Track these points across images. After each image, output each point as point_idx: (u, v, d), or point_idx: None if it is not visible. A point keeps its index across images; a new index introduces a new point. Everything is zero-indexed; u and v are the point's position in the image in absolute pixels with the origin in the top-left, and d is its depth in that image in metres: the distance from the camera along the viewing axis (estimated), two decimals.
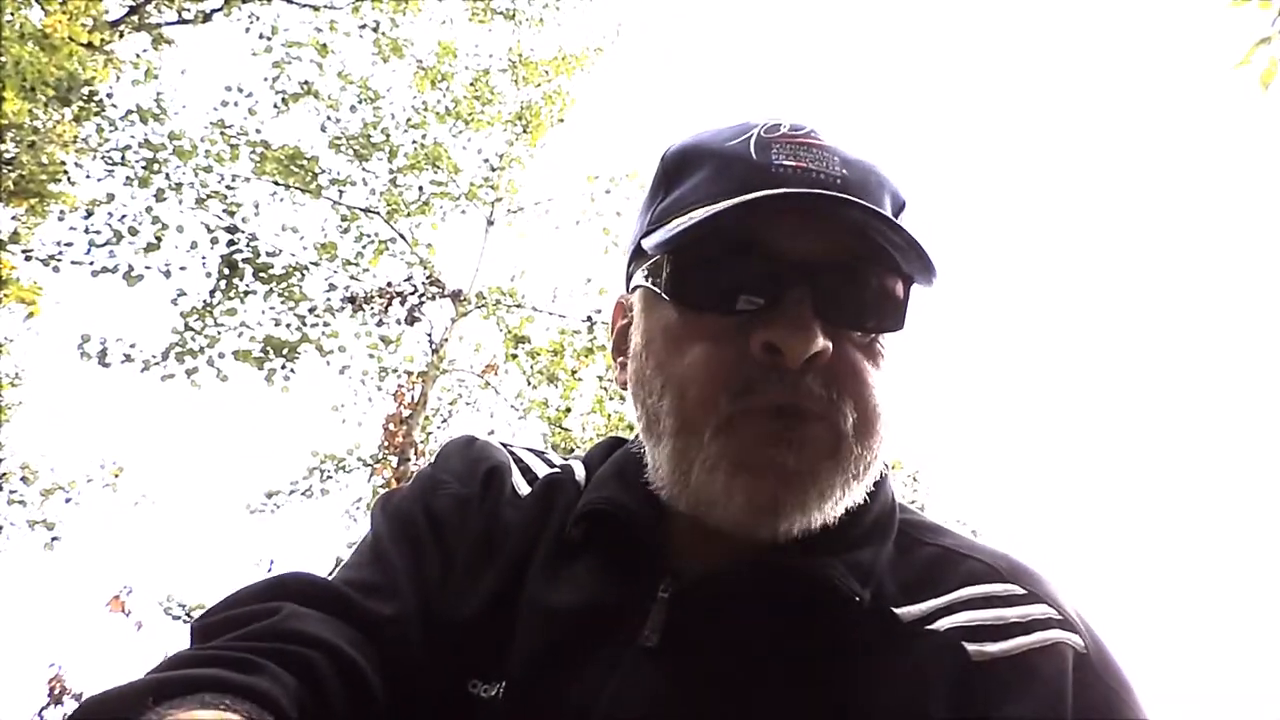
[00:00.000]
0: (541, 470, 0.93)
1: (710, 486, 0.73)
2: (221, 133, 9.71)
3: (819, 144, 0.79)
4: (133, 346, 9.33)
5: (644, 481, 0.80)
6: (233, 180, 9.69)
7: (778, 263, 0.74)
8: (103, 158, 9.30)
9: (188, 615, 8.38)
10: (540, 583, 0.82)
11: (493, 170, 10.72)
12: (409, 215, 10.26)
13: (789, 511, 0.72)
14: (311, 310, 9.70)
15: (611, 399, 9.53)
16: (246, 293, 9.58)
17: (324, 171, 10.14)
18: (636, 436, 0.85)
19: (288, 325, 9.63)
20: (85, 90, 8.90)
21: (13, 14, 7.73)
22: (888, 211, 0.77)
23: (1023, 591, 0.76)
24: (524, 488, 0.90)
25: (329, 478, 9.83)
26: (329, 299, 9.82)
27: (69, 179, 9.13)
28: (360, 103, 10.34)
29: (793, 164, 0.77)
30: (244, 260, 9.54)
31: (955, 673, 0.71)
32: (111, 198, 9.27)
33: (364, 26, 10.47)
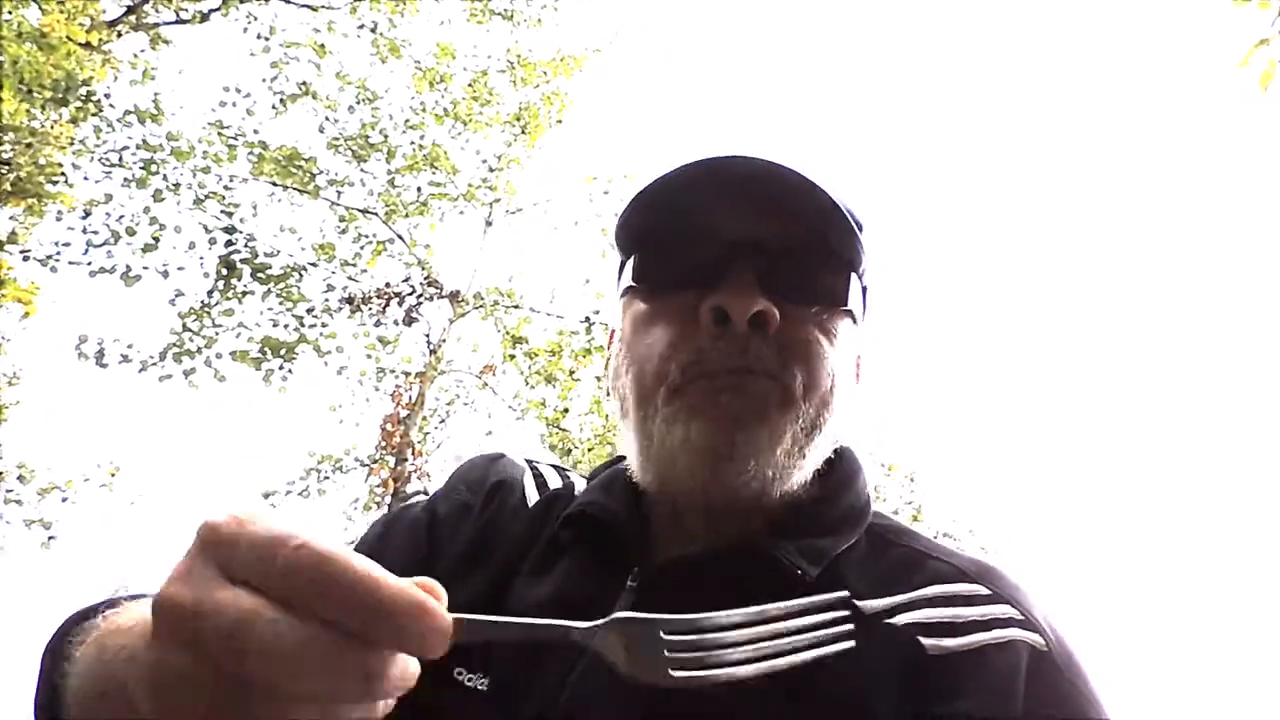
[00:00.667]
0: (555, 484, 0.98)
1: (669, 441, 0.78)
2: (219, 133, 9.71)
3: (771, 158, 0.84)
4: (130, 347, 9.33)
5: (630, 488, 0.86)
6: (230, 181, 9.69)
7: (726, 243, 0.81)
8: (100, 158, 9.30)
9: None
10: (527, 582, 0.85)
11: (491, 171, 10.72)
12: (407, 216, 10.26)
13: (743, 452, 0.76)
14: (309, 311, 9.70)
15: (610, 398, 9.53)
16: (244, 293, 9.57)
17: (322, 172, 10.14)
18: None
19: (285, 326, 9.63)
20: (83, 90, 8.88)
21: (10, 14, 7.72)
22: (837, 209, 0.82)
23: (987, 592, 0.78)
24: (534, 497, 0.95)
25: (326, 478, 9.83)
26: (327, 299, 9.82)
27: (66, 180, 9.12)
28: (358, 103, 10.34)
29: (743, 153, 0.82)
30: (242, 261, 9.53)
31: (909, 665, 0.73)
32: (109, 198, 9.26)
33: (362, 27, 10.47)
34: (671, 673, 0.52)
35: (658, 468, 0.80)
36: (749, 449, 0.77)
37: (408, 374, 9.89)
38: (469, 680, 0.78)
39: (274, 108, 10.12)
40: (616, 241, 0.91)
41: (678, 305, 0.81)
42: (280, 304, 9.65)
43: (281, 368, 9.54)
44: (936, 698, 0.70)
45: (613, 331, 0.96)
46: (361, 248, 10.07)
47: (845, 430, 0.87)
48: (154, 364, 9.33)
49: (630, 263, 0.87)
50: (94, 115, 9.29)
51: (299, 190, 9.98)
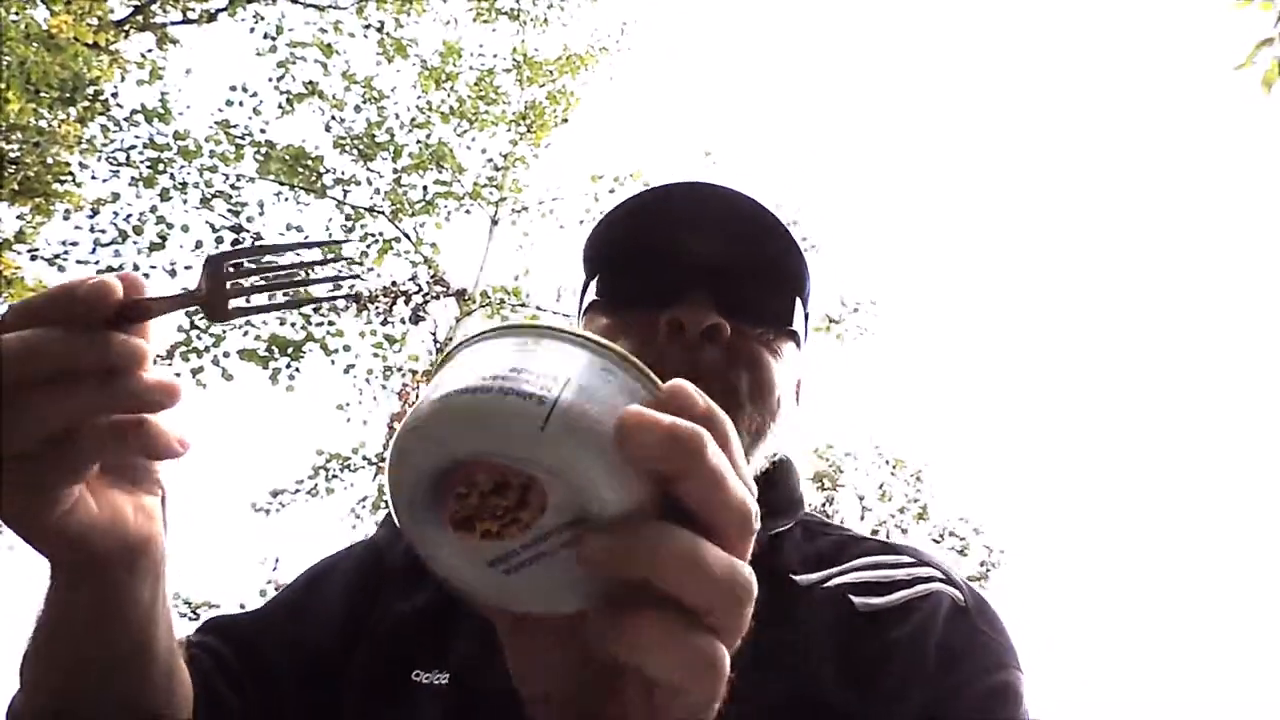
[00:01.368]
0: None
1: None
2: (226, 133, 9.72)
3: (729, 186, 0.90)
4: None
5: None
6: (237, 180, 9.71)
7: (684, 265, 0.88)
8: (108, 157, 9.32)
9: (193, 613, 8.40)
10: None
11: (497, 170, 10.73)
12: (413, 215, 10.27)
13: None
14: (316, 309, 9.71)
15: None
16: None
17: (328, 171, 10.16)
18: None
19: (292, 324, 9.65)
20: (90, 90, 8.91)
21: (18, 14, 7.75)
22: (787, 240, 0.90)
23: (911, 559, 0.87)
24: None
25: (334, 477, 9.84)
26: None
27: (74, 179, 9.15)
28: (365, 103, 10.35)
29: (705, 180, 0.89)
30: None
31: (843, 620, 0.79)
32: (116, 197, 9.29)
33: (368, 27, 10.48)
34: (230, 306, 0.57)
35: None
36: None
37: (415, 372, 9.90)
38: (427, 679, 0.79)
39: (281, 107, 10.14)
40: (583, 262, 0.97)
41: (638, 320, 0.88)
42: None
43: (289, 366, 9.56)
44: (868, 652, 0.77)
45: None
46: (368, 247, 10.08)
47: (784, 444, 0.94)
48: (161, 362, 9.33)
49: (594, 281, 0.94)
50: (101, 114, 9.32)
51: (305, 190, 10.00)
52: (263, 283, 0.58)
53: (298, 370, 9.59)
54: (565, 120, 11.18)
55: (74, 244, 9.17)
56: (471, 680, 0.78)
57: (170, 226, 9.38)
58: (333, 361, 9.79)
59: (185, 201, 9.48)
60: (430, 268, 10.12)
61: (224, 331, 9.42)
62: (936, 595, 0.81)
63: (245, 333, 9.47)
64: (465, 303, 10.00)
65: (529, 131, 10.91)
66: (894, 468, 12.21)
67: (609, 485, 0.37)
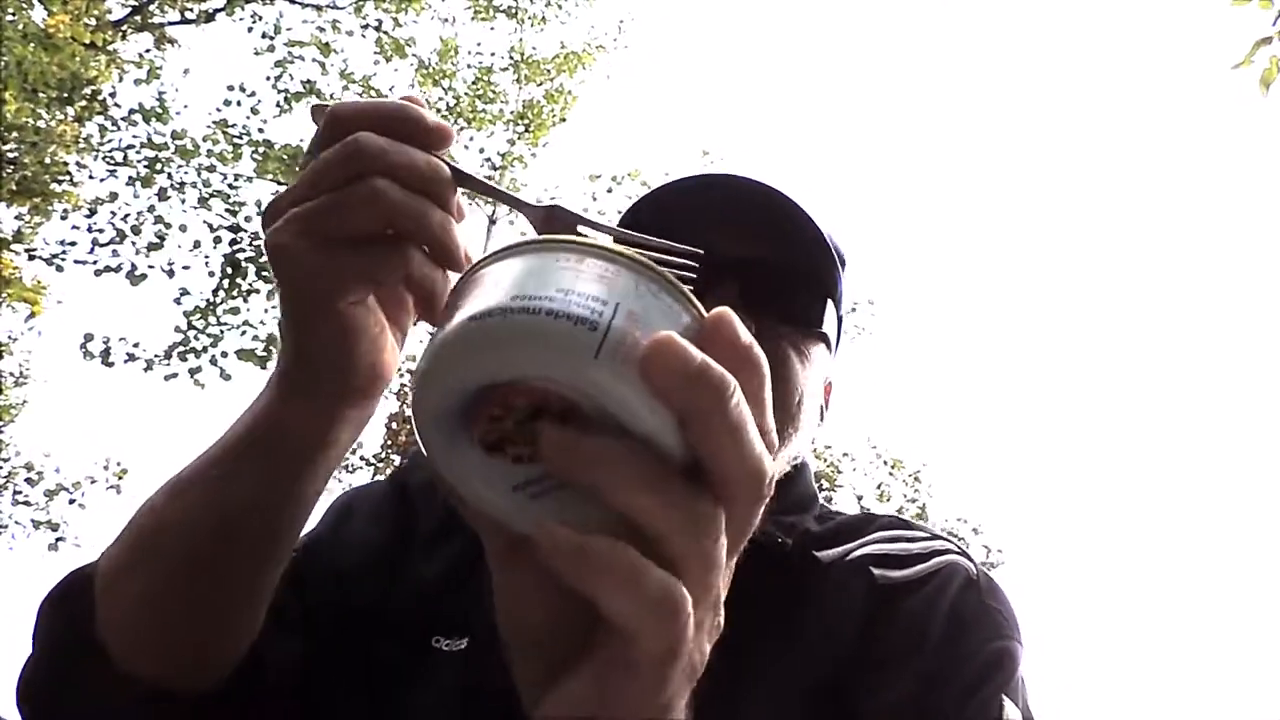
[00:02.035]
0: None
1: None
2: (224, 132, 9.72)
3: (765, 180, 0.89)
4: (136, 346, 9.36)
5: None
6: (235, 180, 9.71)
7: (713, 260, 0.83)
8: (106, 157, 9.32)
9: None
10: None
11: (495, 169, 10.73)
12: None
13: None
14: None
15: None
16: (249, 291, 9.59)
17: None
18: None
19: None
20: (88, 90, 8.91)
21: (15, 14, 7.75)
22: (820, 239, 0.87)
23: (926, 534, 0.88)
24: None
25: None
26: None
27: (72, 179, 9.15)
28: None
29: (739, 173, 0.87)
30: (247, 259, 9.55)
31: (864, 595, 0.81)
32: (115, 197, 9.29)
33: (366, 26, 10.49)
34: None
35: None
36: None
37: (414, 372, 9.90)
38: (448, 646, 0.79)
39: (279, 106, 10.14)
40: None
41: None
42: None
43: None
44: (883, 621, 0.79)
45: None
46: None
47: (805, 445, 0.92)
48: (160, 362, 9.35)
49: None
50: (99, 114, 9.33)
51: None
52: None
53: None
54: (563, 120, 11.19)
55: (72, 243, 9.18)
56: (490, 644, 0.76)
57: (168, 226, 9.38)
58: None
59: (183, 201, 9.48)
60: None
61: (221, 332, 9.42)
62: (950, 568, 0.83)
63: (244, 333, 9.47)
64: None
65: (527, 131, 10.91)
66: (892, 468, 12.23)
67: (652, 417, 0.35)
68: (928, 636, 0.78)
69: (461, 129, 10.73)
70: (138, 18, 9.94)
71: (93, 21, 9.04)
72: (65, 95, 8.52)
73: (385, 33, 10.53)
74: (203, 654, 0.67)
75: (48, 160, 8.71)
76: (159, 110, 9.37)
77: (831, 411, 1.00)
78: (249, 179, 9.79)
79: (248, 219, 9.66)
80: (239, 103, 9.92)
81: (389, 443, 10.09)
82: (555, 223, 0.60)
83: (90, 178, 9.35)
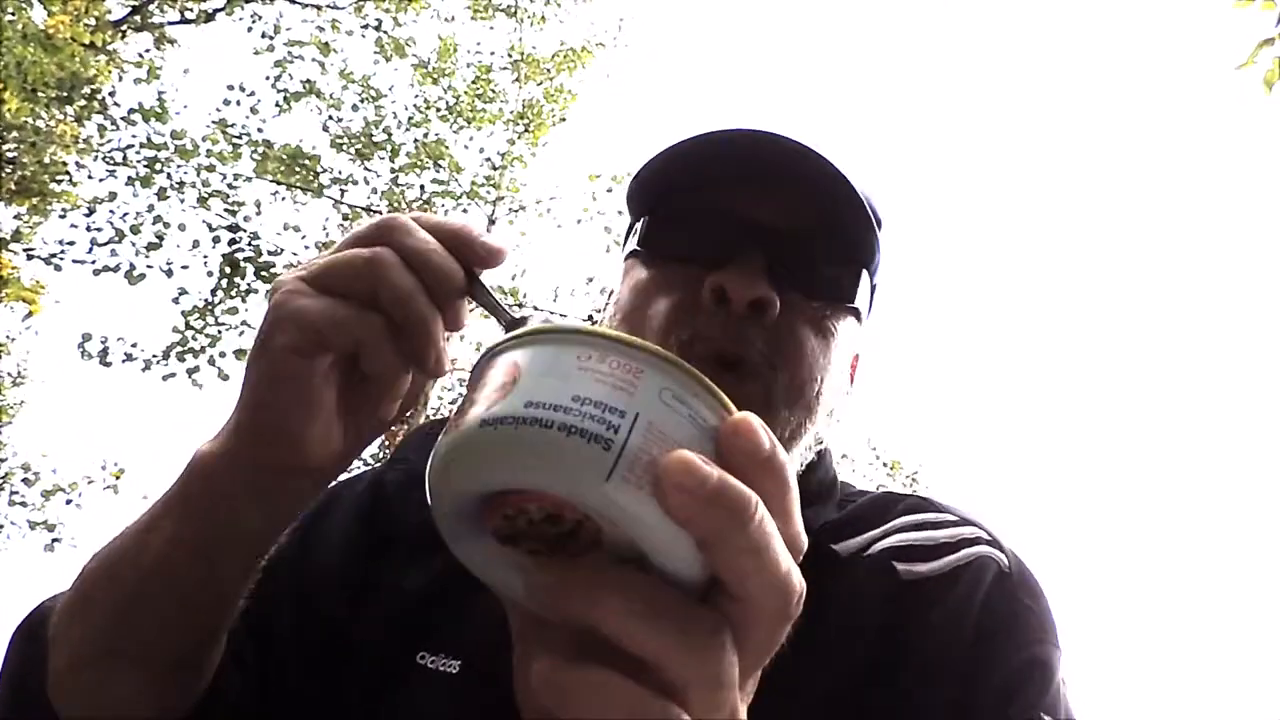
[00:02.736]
0: None
1: None
2: (223, 132, 9.71)
3: (799, 139, 0.81)
4: (134, 345, 9.34)
5: None
6: (234, 179, 9.69)
7: (739, 223, 0.79)
8: (105, 157, 9.31)
9: None
10: None
11: (494, 169, 10.72)
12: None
13: None
14: None
15: None
16: (248, 292, 9.58)
17: (326, 170, 10.15)
18: None
19: None
20: (87, 90, 8.90)
21: (15, 14, 7.73)
22: (858, 205, 0.80)
23: (954, 517, 0.81)
24: None
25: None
26: None
27: (71, 179, 9.14)
28: (362, 101, 10.35)
29: (770, 130, 0.79)
30: (246, 259, 9.54)
31: (887, 591, 0.75)
32: (113, 196, 9.27)
33: (366, 26, 10.48)
34: None
35: None
36: None
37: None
38: (433, 664, 0.75)
39: (278, 106, 10.13)
40: (629, 200, 0.88)
41: (680, 278, 0.79)
42: None
43: None
44: (910, 629, 0.73)
45: (611, 291, 0.93)
46: None
47: (828, 431, 0.85)
48: (158, 363, 9.34)
49: (639, 226, 0.85)
50: (98, 114, 9.31)
51: (303, 189, 9.99)
52: None
53: None
54: (563, 119, 11.19)
55: (71, 243, 9.16)
56: (484, 669, 0.73)
57: (167, 226, 9.37)
58: None
59: (182, 201, 9.46)
60: None
61: (220, 332, 9.41)
62: (980, 561, 0.77)
63: (241, 333, 9.46)
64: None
65: (526, 130, 10.90)
66: (890, 469, 12.23)
67: (668, 538, 0.34)
68: (957, 642, 0.72)
69: (461, 128, 10.73)
70: (137, 17, 9.93)
71: (92, 22, 9.03)
72: (65, 95, 8.51)
73: (385, 32, 10.52)
74: (146, 703, 0.64)
75: (47, 160, 8.70)
76: (158, 110, 9.35)
77: (858, 386, 0.94)
78: (248, 179, 9.78)
79: (247, 219, 9.65)
80: (238, 102, 9.91)
81: (387, 443, 10.06)
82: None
83: (89, 177, 9.34)
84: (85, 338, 9.27)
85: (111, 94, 9.41)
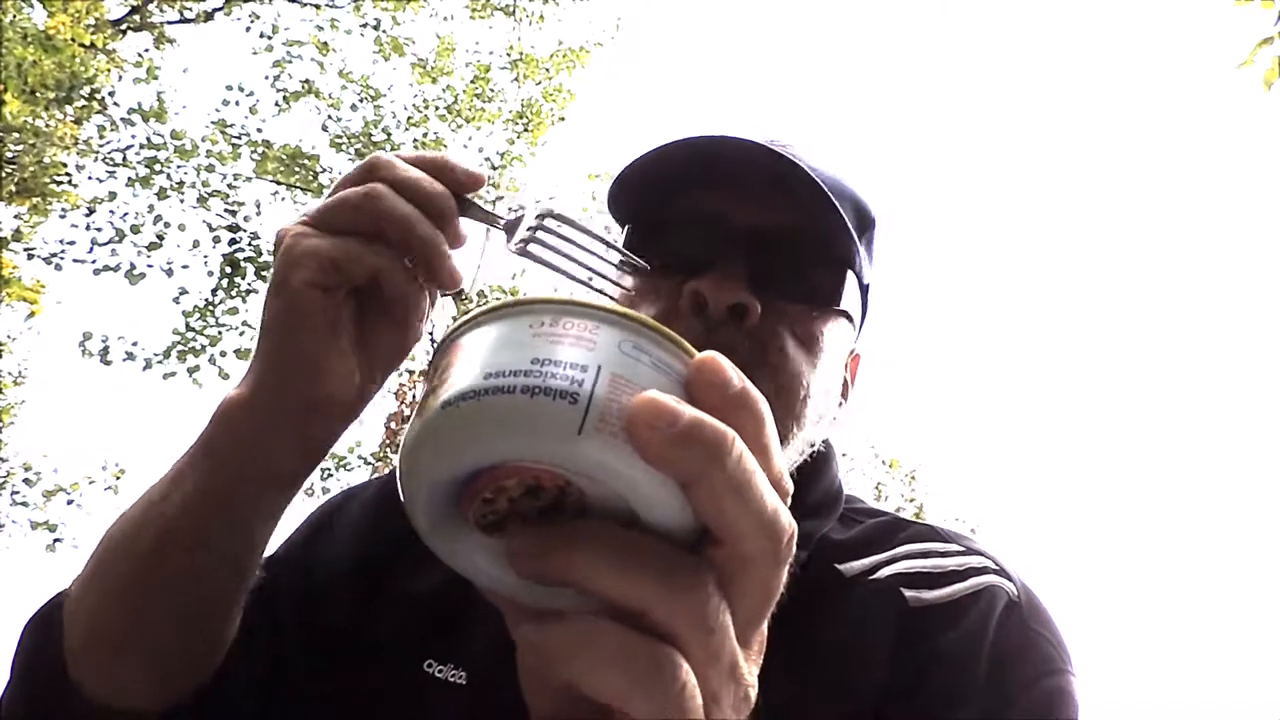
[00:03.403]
0: None
1: None
2: (223, 132, 9.71)
3: (783, 145, 0.81)
4: (135, 345, 9.35)
5: None
6: (234, 179, 9.70)
7: (717, 230, 0.78)
8: (104, 157, 9.31)
9: None
10: None
11: (494, 169, 10.72)
12: None
13: None
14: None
15: None
16: (248, 291, 9.59)
17: (325, 170, 10.15)
18: None
19: None
20: (87, 90, 8.90)
21: (15, 16, 7.73)
22: (847, 217, 0.79)
23: (961, 547, 0.80)
24: None
25: (330, 476, 9.84)
26: None
27: (70, 179, 9.14)
28: (361, 101, 10.35)
29: (746, 135, 0.79)
30: (246, 259, 9.54)
31: (894, 618, 0.73)
32: (113, 196, 9.27)
33: (365, 25, 10.48)
34: (528, 247, 0.62)
35: None
36: None
37: (411, 373, 9.90)
38: (440, 673, 0.75)
39: (277, 106, 10.14)
40: (609, 206, 0.88)
41: (663, 287, 0.78)
42: None
43: None
44: (920, 649, 0.71)
45: None
46: None
47: (818, 435, 0.84)
48: (158, 362, 9.34)
49: (620, 237, 0.85)
50: (98, 114, 9.31)
51: (302, 189, 9.99)
52: (561, 246, 0.63)
53: None
54: (562, 119, 11.19)
55: (71, 243, 9.16)
56: (492, 682, 0.72)
57: (167, 226, 9.37)
58: None
59: (182, 201, 9.47)
60: None
61: (220, 331, 9.41)
62: (990, 591, 0.75)
63: (242, 333, 9.47)
64: (462, 301, 10.00)
65: (525, 130, 10.90)
66: (889, 467, 12.23)
67: (651, 486, 0.33)
68: (969, 671, 0.70)
69: (460, 128, 10.73)
70: (136, 17, 9.92)
71: (93, 22, 9.03)
72: (64, 95, 8.50)
73: (384, 31, 10.52)
74: (160, 673, 0.65)
75: (47, 160, 8.70)
76: (158, 110, 9.36)
77: (857, 385, 0.93)
78: (248, 179, 9.78)
79: (246, 219, 9.65)
80: (237, 102, 9.91)
81: (388, 442, 10.08)
82: (521, 218, 0.64)
83: (89, 178, 9.34)
84: (86, 336, 9.28)
85: (111, 94, 9.40)
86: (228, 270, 9.51)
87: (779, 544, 0.34)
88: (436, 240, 0.58)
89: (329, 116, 10.29)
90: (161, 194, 9.38)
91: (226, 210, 9.58)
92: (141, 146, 9.38)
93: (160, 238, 9.33)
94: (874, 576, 0.77)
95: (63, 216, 9.26)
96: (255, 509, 0.63)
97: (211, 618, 0.66)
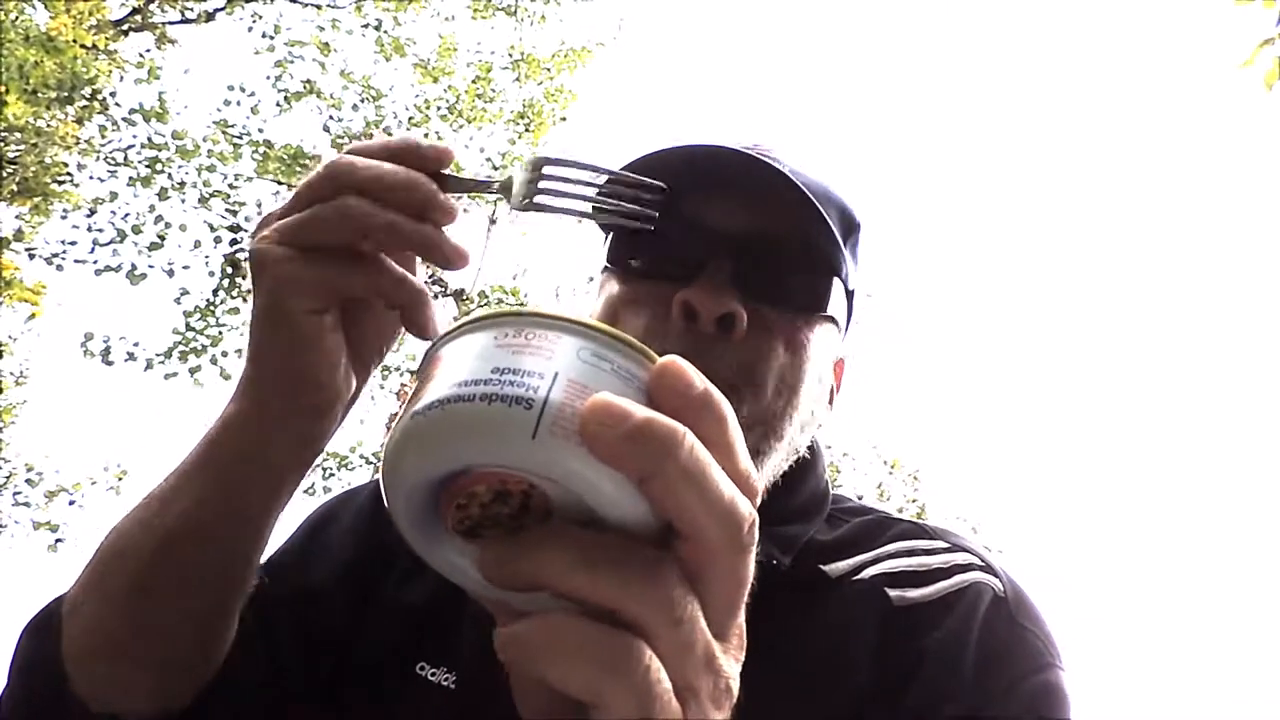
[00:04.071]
0: None
1: None
2: (224, 132, 9.72)
3: (768, 151, 0.81)
4: (136, 345, 9.35)
5: None
6: (235, 179, 9.70)
7: (704, 234, 0.79)
8: (106, 157, 9.32)
9: None
10: None
11: (495, 169, 10.72)
12: None
13: None
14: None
15: None
16: (249, 292, 9.55)
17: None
18: None
19: None
20: (88, 90, 8.91)
21: (17, 17, 7.74)
22: (832, 223, 0.79)
23: (946, 544, 0.80)
24: None
25: (331, 475, 9.85)
26: None
27: (72, 179, 9.14)
28: (362, 101, 10.35)
29: (733, 145, 0.79)
30: (247, 259, 9.54)
31: (878, 618, 0.74)
32: (115, 197, 9.28)
33: (366, 25, 10.48)
34: (535, 200, 0.63)
35: None
36: None
37: (413, 372, 9.91)
38: (433, 676, 0.76)
39: (278, 106, 10.14)
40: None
41: (653, 294, 0.79)
42: None
43: None
44: (903, 655, 0.71)
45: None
46: None
47: (804, 441, 0.84)
48: (159, 362, 9.35)
49: (608, 242, 0.85)
50: (99, 114, 9.32)
51: None
52: (566, 189, 0.63)
53: None
54: (563, 119, 11.19)
55: (72, 243, 9.17)
56: (481, 684, 0.74)
57: (168, 226, 9.38)
58: None
59: (183, 201, 9.47)
60: (427, 268, 10.11)
61: (221, 332, 9.42)
62: (975, 588, 0.76)
63: (243, 333, 9.47)
64: (463, 303, 10.00)
65: (527, 130, 10.91)
66: (891, 467, 12.23)
67: (609, 486, 0.34)
68: (956, 669, 0.70)
69: (461, 128, 10.73)
70: (138, 17, 9.93)
71: (94, 22, 9.03)
72: (66, 95, 8.51)
73: (385, 32, 10.52)
74: (160, 678, 0.66)
75: (48, 160, 8.70)
76: (159, 110, 9.36)
77: (844, 390, 0.93)
78: (249, 179, 9.79)
79: (248, 219, 9.65)
80: (239, 102, 9.92)
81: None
82: (514, 178, 0.64)
83: (90, 178, 9.35)
84: (87, 337, 9.28)
85: (112, 94, 9.41)
86: (229, 270, 9.52)
87: (739, 531, 0.35)
88: (425, 233, 0.57)
89: (330, 117, 10.29)
90: (163, 194, 9.39)
91: (227, 210, 9.59)
92: (143, 146, 9.39)
93: (161, 238, 9.34)
94: (858, 577, 0.77)
95: (64, 217, 9.28)
96: (256, 516, 0.64)
97: (211, 624, 0.67)
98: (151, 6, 10.02)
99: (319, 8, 10.36)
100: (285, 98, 10.17)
